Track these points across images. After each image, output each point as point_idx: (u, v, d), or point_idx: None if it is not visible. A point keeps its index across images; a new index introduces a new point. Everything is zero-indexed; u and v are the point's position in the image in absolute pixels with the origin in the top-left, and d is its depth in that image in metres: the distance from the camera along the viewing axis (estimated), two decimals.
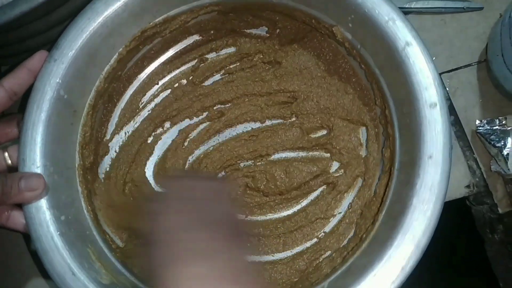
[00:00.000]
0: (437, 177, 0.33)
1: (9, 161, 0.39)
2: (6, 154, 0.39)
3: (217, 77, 0.47)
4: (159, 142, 0.46)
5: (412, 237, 0.33)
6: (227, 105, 0.47)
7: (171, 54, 0.47)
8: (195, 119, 0.47)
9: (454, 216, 0.41)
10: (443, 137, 0.34)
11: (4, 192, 0.35)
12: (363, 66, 0.41)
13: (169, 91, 0.47)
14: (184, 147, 0.46)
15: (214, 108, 0.46)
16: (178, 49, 0.47)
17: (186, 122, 0.47)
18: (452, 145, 0.34)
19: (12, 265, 0.47)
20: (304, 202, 0.44)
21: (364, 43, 0.40)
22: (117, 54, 0.43)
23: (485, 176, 0.43)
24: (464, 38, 0.45)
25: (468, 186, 0.43)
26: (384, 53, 0.37)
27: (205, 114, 0.46)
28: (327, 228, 0.42)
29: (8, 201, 0.35)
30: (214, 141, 0.46)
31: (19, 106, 0.50)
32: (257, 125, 0.47)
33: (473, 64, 0.45)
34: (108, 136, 0.46)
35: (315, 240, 0.42)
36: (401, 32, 0.36)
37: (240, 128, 0.47)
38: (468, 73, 0.45)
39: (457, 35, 0.46)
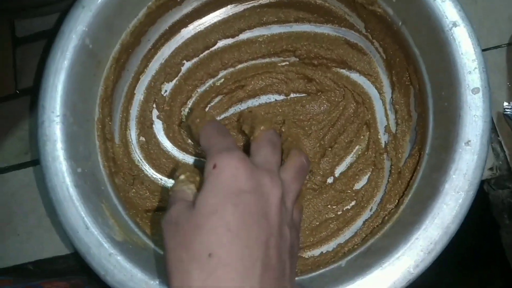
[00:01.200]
0: (473, 164, 0.32)
1: None
2: None
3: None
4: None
5: (441, 222, 0.32)
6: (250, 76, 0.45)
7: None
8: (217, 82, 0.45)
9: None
10: (483, 123, 0.33)
11: None
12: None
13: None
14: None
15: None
16: None
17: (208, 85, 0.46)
18: (491, 133, 0.33)
19: (17, 225, 0.46)
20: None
21: (406, 21, 0.38)
22: (146, 7, 0.42)
23: (508, 159, 0.42)
24: (494, 19, 0.44)
25: (491, 169, 0.42)
26: (428, 32, 0.36)
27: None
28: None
29: None
30: (235, 109, 0.45)
31: (34, 78, 0.48)
32: (281, 97, 0.45)
33: (503, 46, 0.44)
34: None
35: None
36: (449, 11, 0.35)
37: (263, 99, 0.45)
38: (496, 55, 0.44)
39: (487, 15, 0.45)
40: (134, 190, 0.41)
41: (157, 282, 0.33)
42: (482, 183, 0.43)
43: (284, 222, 0.28)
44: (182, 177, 0.32)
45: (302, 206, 0.36)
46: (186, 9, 0.45)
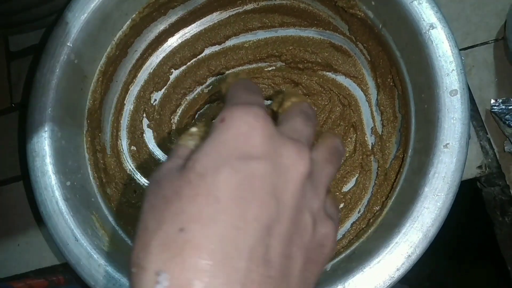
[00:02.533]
0: (452, 167, 0.32)
1: None
2: None
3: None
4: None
5: (421, 225, 0.32)
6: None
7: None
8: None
9: (463, 198, 0.40)
10: (461, 126, 0.33)
11: None
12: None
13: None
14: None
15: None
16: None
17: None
18: (470, 135, 0.33)
19: (17, 236, 0.48)
20: None
21: (386, 23, 0.38)
22: (130, 20, 0.42)
23: (498, 157, 0.42)
24: (481, 14, 0.44)
25: (480, 167, 0.42)
26: (406, 35, 0.36)
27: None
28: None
29: None
30: None
31: (22, 93, 0.50)
32: (269, 102, 0.46)
33: (490, 42, 0.43)
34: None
35: None
36: (425, 13, 0.35)
37: None
38: (484, 51, 0.43)
39: (474, 11, 0.44)
40: (125, 199, 0.42)
41: None
42: (474, 180, 0.43)
43: (307, 208, 0.21)
44: (193, 129, 0.25)
45: (336, 200, 0.29)
46: (171, 18, 0.45)
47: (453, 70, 0.34)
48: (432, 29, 0.34)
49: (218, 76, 0.46)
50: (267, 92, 0.46)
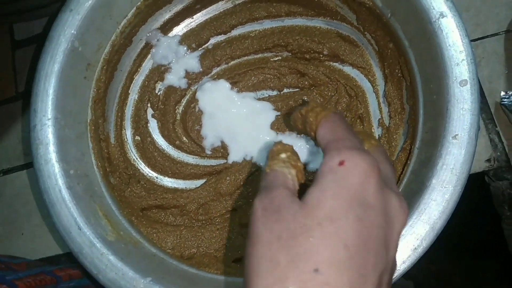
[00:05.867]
0: (460, 158, 0.32)
1: None
2: None
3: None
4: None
5: (428, 218, 0.31)
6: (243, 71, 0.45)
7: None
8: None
9: (470, 192, 0.39)
10: (470, 116, 0.32)
11: None
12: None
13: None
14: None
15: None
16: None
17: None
18: (479, 126, 0.32)
19: (22, 225, 0.48)
20: None
21: (395, 12, 0.37)
22: (135, 8, 0.42)
23: (507, 150, 0.41)
24: (492, 5, 0.43)
25: (488, 160, 0.41)
26: (416, 24, 0.35)
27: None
28: None
29: None
30: None
31: (26, 82, 0.49)
32: (275, 92, 0.45)
33: (501, 33, 0.43)
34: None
35: None
36: (436, 1, 0.34)
37: (257, 95, 0.45)
38: (494, 43, 0.43)
39: (485, 2, 0.43)
40: (129, 189, 0.42)
41: (148, 280, 0.34)
42: (482, 174, 0.43)
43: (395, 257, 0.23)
44: (283, 156, 0.25)
45: None
46: (177, 7, 0.45)
47: (463, 59, 0.33)
48: (442, 17, 0.34)
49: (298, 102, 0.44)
50: (273, 83, 0.45)
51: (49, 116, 0.37)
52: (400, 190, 0.35)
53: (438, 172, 0.32)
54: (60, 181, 0.36)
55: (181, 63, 0.46)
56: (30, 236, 0.47)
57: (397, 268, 0.31)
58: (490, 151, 0.41)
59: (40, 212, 0.47)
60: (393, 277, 0.26)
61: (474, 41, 0.42)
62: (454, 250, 0.58)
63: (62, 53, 0.38)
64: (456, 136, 0.32)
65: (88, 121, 0.40)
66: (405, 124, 0.40)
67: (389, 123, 0.41)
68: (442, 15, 0.34)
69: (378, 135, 0.42)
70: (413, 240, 0.31)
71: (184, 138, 0.45)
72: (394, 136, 0.41)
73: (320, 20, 0.45)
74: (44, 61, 0.38)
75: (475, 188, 0.43)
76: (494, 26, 0.43)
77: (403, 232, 0.31)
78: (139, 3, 0.42)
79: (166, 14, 0.45)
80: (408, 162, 0.36)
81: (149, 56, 0.46)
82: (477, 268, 0.59)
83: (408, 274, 0.33)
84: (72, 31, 0.38)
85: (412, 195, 0.33)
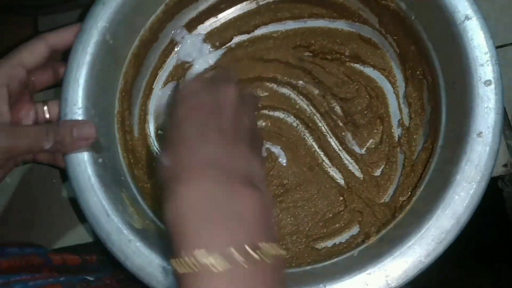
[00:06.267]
0: (485, 156, 0.33)
1: (48, 115, 0.39)
2: (46, 107, 0.39)
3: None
4: None
5: (453, 212, 0.32)
6: None
7: None
8: None
9: (485, 197, 0.40)
10: (495, 115, 0.33)
11: (58, 141, 0.34)
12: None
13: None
14: None
15: None
16: None
17: None
18: (503, 125, 0.33)
19: (41, 214, 0.48)
20: None
21: (419, 15, 0.38)
22: (163, 4, 0.43)
23: None
24: (511, 15, 0.44)
25: (505, 165, 0.42)
26: (440, 26, 0.36)
27: None
28: None
29: (62, 150, 0.36)
30: None
31: None
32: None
33: None
34: None
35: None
36: (461, 4, 0.35)
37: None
38: None
39: (505, 11, 0.44)
40: (152, 181, 0.43)
41: None
42: (496, 179, 0.43)
43: None
44: None
45: None
46: (203, 6, 0.46)
47: (487, 60, 0.34)
48: (467, 20, 0.35)
49: None
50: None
51: (80, 105, 0.38)
52: (423, 187, 0.36)
53: (462, 168, 0.33)
54: (89, 169, 0.36)
55: (204, 60, 0.47)
56: (49, 226, 0.47)
57: (422, 260, 0.32)
58: (507, 156, 0.42)
59: (61, 201, 0.47)
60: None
61: None
62: (462, 256, 0.58)
63: (93, 45, 0.39)
64: (481, 134, 0.33)
65: (116, 112, 0.41)
66: (425, 125, 0.41)
67: (409, 124, 0.42)
68: (467, 17, 0.35)
69: (398, 135, 0.43)
70: (438, 233, 0.32)
71: None
72: (414, 137, 0.42)
73: (342, 22, 0.46)
74: (76, 51, 0.38)
75: (487, 193, 0.43)
76: None
77: (428, 225, 0.32)
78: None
79: (192, 12, 0.46)
80: (431, 160, 0.37)
81: (173, 52, 0.47)
82: (486, 275, 0.59)
83: (414, 284, 0.33)
84: (104, 24, 0.39)
85: (436, 191, 0.34)
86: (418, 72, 0.41)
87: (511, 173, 0.42)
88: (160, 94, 0.47)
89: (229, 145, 0.28)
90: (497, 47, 0.43)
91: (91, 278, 0.39)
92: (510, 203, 0.44)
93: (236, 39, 0.48)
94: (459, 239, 0.32)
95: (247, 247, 0.24)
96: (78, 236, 0.47)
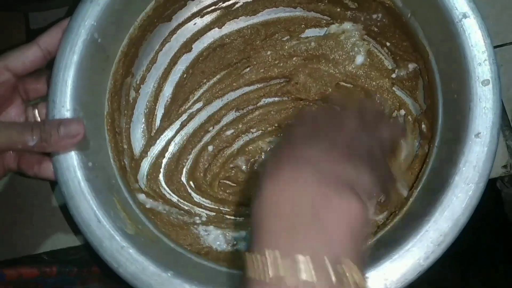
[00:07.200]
0: (483, 156, 0.32)
1: (39, 118, 0.38)
2: (36, 111, 0.38)
3: None
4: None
5: (451, 214, 0.32)
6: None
7: None
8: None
9: (482, 198, 0.40)
10: (492, 115, 0.33)
11: (43, 139, 0.33)
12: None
13: None
14: None
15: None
16: None
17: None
18: (501, 125, 0.33)
19: (32, 216, 0.46)
20: None
21: (415, 12, 0.38)
22: (153, 1, 0.41)
23: None
24: (511, 14, 0.44)
25: (505, 166, 0.42)
26: (437, 24, 0.36)
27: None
28: None
29: (47, 149, 0.34)
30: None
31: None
32: None
33: None
34: None
35: None
36: (459, 2, 0.34)
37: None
38: None
39: (504, 10, 0.44)
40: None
41: (169, 274, 0.33)
42: (494, 180, 0.43)
43: None
44: None
45: None
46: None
47: (485, 60, 0.33)
48: (465, 18, 0.34)
49: None
50: None
51: (68, 107, 0.36)
52: (420, 187, 0.36)
53: (460, 169, 0.32)
54: (79, 173, 0.35)
55: None
56: (40, 228, 0.46)
57: (421, 263, 0.32)
58: (506, 157, 0.42)
59: (52, 203, 0.46)
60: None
61: (493, 48, 0.43)
62: (460, 258, 0.58)
63: (81, 44, 0.37)
64: (479, 135, 0.33)
65: (105, 113, 0.40)
66: (421, 124, 0.41)
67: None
68: (465, 16, 0.34)
69: None
70: (436, 236, 0.32)
71: None
72: (411, 136, 0.41)
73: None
74: (63, 51, 0.37)
75: (485, 195, 0.43)
76: None
77: (427, 228, 0.32)
78: None
79: (183, 11, 0.45)
80: (427, 160, 0.36)
81: (163, 50, 0.46)
82: (484, 277, 0.59)
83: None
84: (92, 22, 0.37)
85: (434, 192, 0.33)
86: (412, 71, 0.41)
87: (511, 175, 0.42)
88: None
89: (338, 153, 0.27)
90: (496, 47, 0.43)
91: None
92: (509, 204, 0.44)
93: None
94: (457, 240, 0.32)
95: (326, 260, 0.22)
96: (70, 238, 0.46)
